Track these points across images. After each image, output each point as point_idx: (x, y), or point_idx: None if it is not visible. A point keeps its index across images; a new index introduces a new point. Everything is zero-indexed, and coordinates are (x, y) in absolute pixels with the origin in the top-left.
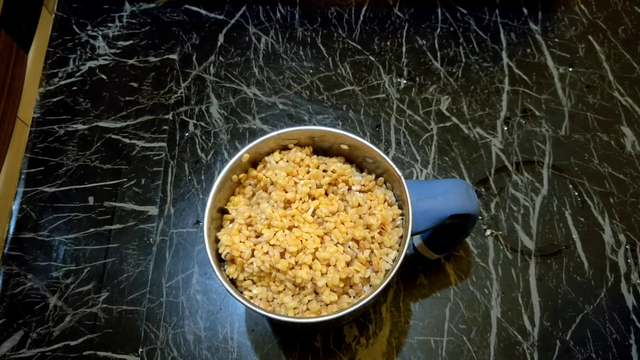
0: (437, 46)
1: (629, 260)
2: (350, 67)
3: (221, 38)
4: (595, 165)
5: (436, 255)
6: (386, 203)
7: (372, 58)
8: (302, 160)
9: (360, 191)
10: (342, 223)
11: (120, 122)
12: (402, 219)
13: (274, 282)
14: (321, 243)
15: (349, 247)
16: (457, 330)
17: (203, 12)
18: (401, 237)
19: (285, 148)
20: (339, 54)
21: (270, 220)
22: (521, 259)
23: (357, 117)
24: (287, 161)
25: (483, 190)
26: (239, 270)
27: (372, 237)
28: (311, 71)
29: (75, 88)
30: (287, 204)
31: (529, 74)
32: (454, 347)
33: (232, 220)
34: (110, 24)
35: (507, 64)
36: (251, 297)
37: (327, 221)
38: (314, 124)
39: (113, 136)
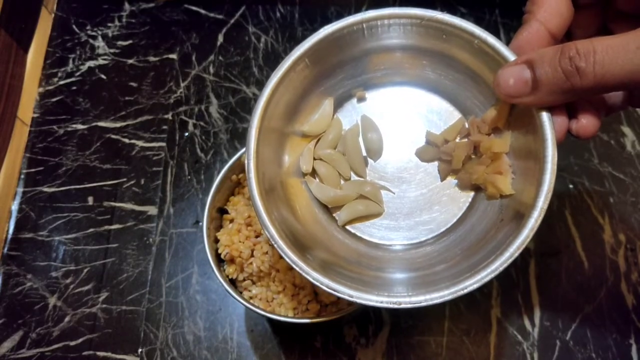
0: None
1: (629, 260)
2: None
3: (221, 38)
4: (595, 165)
5: None
6: None
7: None
8: None
9: None
10: None
11: (120, 122)
12: None
13: (273, 282)
14: None
15: None
16: (457, 330)
17: (202, 11)
18: None
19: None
20: None
21: None
22: (521, 259)
23: None
24: None
25: None
26: (239, 270)
27: None
28: None
29: (74, 88)
30: None
31: None
32: (454, 347)
33: (231, 220)
34: (109, 24)
35: None
36: (251, 297)
37: None
38: None
39: (112, 136)
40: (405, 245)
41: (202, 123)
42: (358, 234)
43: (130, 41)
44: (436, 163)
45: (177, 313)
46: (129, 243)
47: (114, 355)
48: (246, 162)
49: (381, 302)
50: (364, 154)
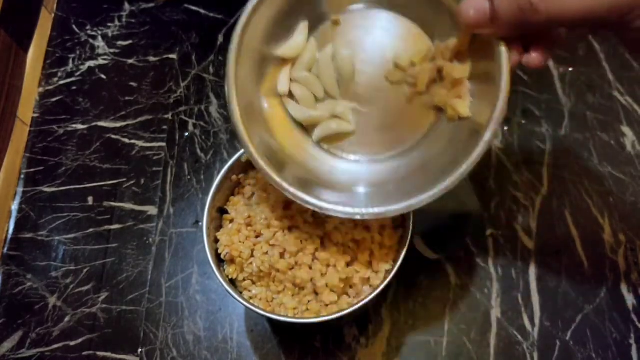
0: None
1: (629, 260)
2: None
3: (221, 38)
4: (595, 165)
5: (436, 255)
6: None
7: None
8: None
9: None
10: (342, 224)
11: (120, 122)
12: (402, 219)
13: (273, 283)
14: (321, 243)
15: (349, 247)
16: (457, 330)
17: (202, 11)
18: (401, 237)
19: None
20: None
21: (269, 220)
22: (521, 259)
23: None
24: None
25: (483, 190)
26: (239, 271)
27: (372, 238)
28: None
29: (74, 88)
30: (287, 204)
31: (529, 74)
32: (454, 347)
33: (231, 220)
34: (109, 24)
35: None
36: (251, 298)
37: (326, 222)
38: None
39: (112, 136)
40: (372, 159)
41: (202, 123)
42: (331, 149)
43: (130, 41)
44: (404, 85)
45: (177, 313)
46: (129, 243)
47: (114, 355)
48: (226, 81)
49: (346, 213)
50: (337, 75)
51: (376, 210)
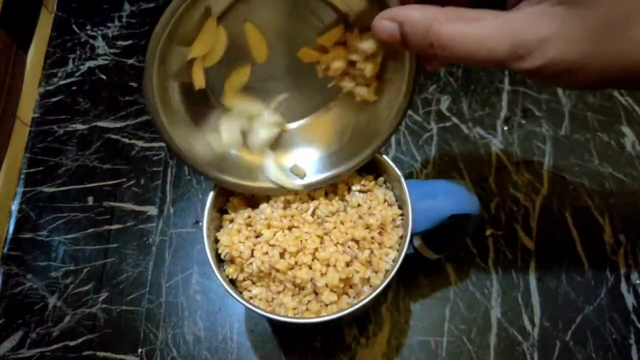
0: None
1: (629, 261)
2: None
3: None
4: (595, 165)
5: (436, 255)
6: (386, 203)
7: None
8: None
9: (360, 191)
10: (342, 223)
11: (120, 122)
12: (401, 219)
13: (273, 283)
14: (321, 243)
15: (349, 247)
16: (457, 330)
17: None
18: (401, 237)
19: None
20: None
21: (269, 220)
22: (521, 259)
23: None
24: None
25: (483, 190)
26: (239, 271)
27: (372, 238)
28: None
29: (74, 88)
30: (287, 204)
31: None
32: (454, 347)
33: (231, 221)
34: (109, 24)
35: None
36: (251, 298)
37: (326, 221)
38: None
39: (112, 136)
40: (297, 126)
41: None
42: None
43: (130, 41)
44: (316, 64)
45: (177, 313)
46: (129, 243)
47: (113, 355)
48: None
49: (259, 189)
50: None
51: (317, 178)
